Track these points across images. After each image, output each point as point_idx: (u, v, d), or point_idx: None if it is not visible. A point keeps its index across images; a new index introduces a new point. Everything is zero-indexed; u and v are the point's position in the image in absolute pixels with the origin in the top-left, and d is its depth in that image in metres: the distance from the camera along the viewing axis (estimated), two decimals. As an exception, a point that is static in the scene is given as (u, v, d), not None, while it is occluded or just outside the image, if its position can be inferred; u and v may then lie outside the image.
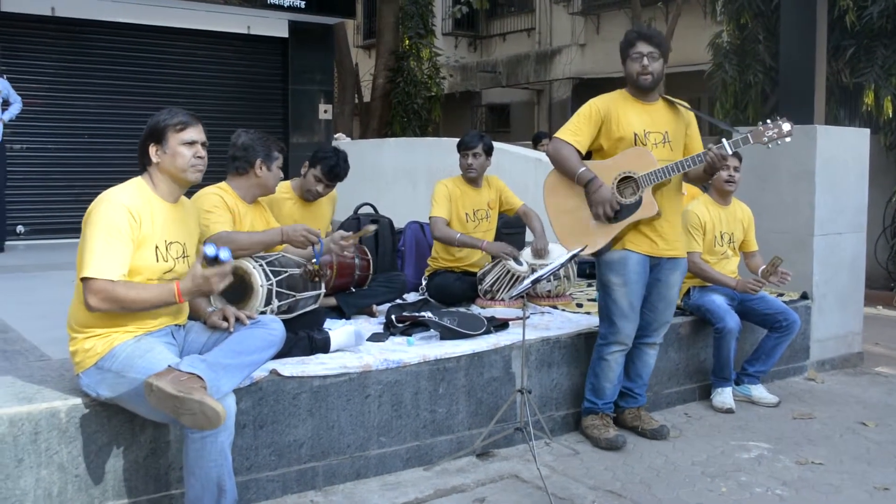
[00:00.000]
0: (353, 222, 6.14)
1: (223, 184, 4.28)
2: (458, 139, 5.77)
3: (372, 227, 4.96)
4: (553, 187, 4.59)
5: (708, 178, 4.49)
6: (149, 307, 3.24)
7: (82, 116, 10.94)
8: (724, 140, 4.20)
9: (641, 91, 4.43)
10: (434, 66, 17.26)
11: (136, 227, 3.21)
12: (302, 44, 12.50)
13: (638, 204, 4.31)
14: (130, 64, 11.24)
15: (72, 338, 3.31)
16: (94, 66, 11.03)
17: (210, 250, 3.14)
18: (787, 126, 4.15)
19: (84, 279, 3.10)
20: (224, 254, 3.15)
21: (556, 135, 4.51)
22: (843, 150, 6.28)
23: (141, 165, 3.43)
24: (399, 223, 6.50)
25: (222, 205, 4.12)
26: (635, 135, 4.37)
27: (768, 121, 4.20)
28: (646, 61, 4.33)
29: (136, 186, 3.36)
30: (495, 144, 5.91)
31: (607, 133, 4.42)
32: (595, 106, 4.45)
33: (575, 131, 4.43)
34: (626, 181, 4.34)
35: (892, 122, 10.06)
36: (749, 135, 4.19)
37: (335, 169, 4.95)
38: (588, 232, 4.46)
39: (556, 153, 4.46)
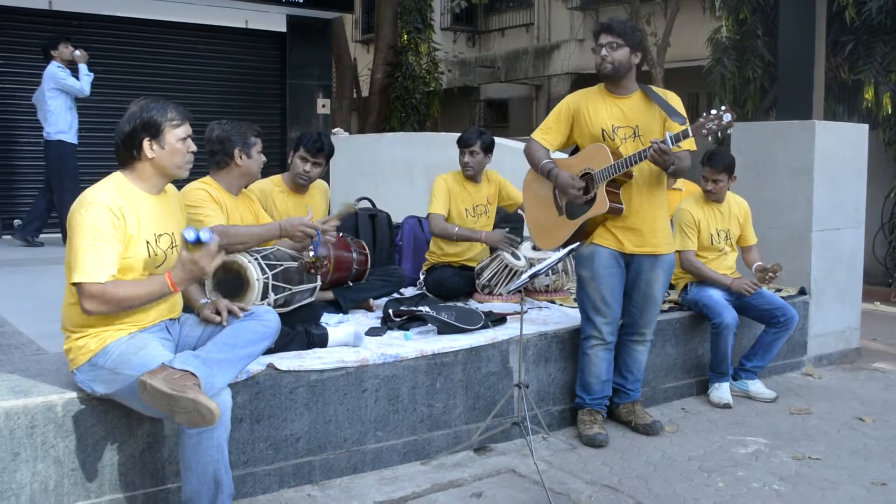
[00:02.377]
0: (351, 217, 6.13)
1: (207, 178, 4.25)
2: (456, 134, 5.76)
3: (354, 204, 4.76)
4: (528, 184, 4.78)
5: (680, 173, 4.43)
6: (144, 302, 3.22)
7: (80, 111, 10.90)
8: (668, 133, 4.16)
9: (612, 84, 4.43)
10: (432, 61, 17.24)
11: (122, 226, 3.15)
12: (300, 38, 12.50)
13: (593, 200, 4.34)
14: (128, 58, 11.23)
15: (66, 337, 3.31)
16: (91, 61, 10.99)
17: (189, 234, 3.12)
18: (727, 117, 4.07)
19: (76, 285, 3.08)
20: (204, 234, 3.13)
21: (532, 134, 4.64)
22: (842, 146, 6.28)
23: (125, 159, 3.31)
24: (397, 218, 6.48)
25: (209, 199, 4.10)
26: (602, 130, 4.40)
27: (712, 111, 4.13)
28: (604, 52, 4.34)
29: (115, 183, 3.27)
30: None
31: (579, 129, 4.49)
32: (566, 103, 4.55)
33: (545, 130, 4.58)
34: (586, 177, 4.38)
35: (891, 118, 10.04)
36: (689, 128, 4.14)
37: (317, 142, 4.93)
38: (551, 228, 4.59)
39: (527, 150, 4.62)
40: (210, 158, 4.23)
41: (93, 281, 3.06)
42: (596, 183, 4.33)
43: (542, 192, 4.65)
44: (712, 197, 5.38)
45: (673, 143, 4.12)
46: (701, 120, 4.15)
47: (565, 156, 4.71)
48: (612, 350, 4.56)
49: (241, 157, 4.22)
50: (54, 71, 8.67)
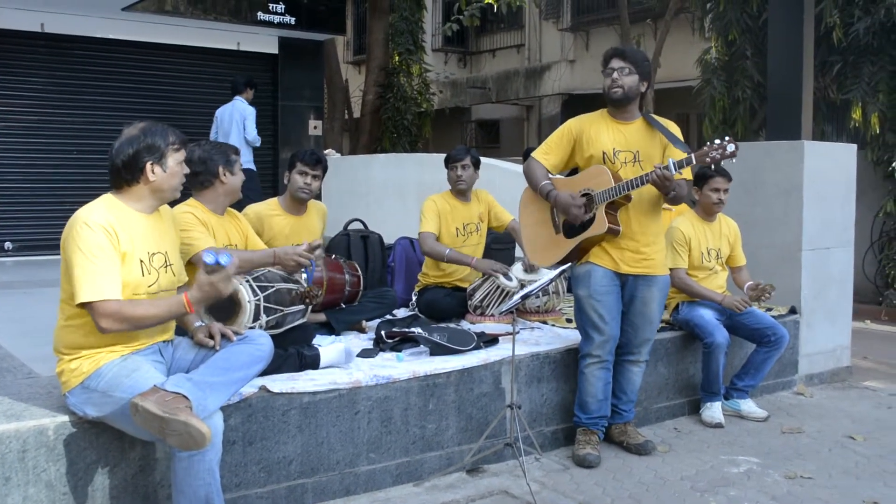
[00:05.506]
0: (343, 238, 6.14)
1: (191, 200, 4.27)
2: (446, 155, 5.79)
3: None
4: (525, 202, 4.80)
5: (678, 200, 4.47)
6: (160, 321, 3.26)
7: (71, 132, 10.95)
8: (670, 159, 4.22)
9: (617, 109, 4.48)
10: (424, 82, 17.30)
11: (116, 243, 3.16)
12: (292, 60, 12.55)
13: (592, 221, 4.37)
14: (120, 80, 11.28)
15: (59, 359, 3.30)
16: (83, 83, 11.06)
17: (209, 258, 3.15)
18: (731, 147, 4.14)
19: (88, 304, 3.07)
20: (224, 258, 3.16)
21: (532, 153, 4.67)
22: (831, 166, 6.32)
23: (122, 182, 3.31)
24: (389, 239, 6.50)
25: (196, 221, 4.11)
26: (604, 153, 4.44)
27: (716, 140, 4.20)
28: (615, 75, 4.40)
29: (107, 203, 3.28)
30: (485, 160, 5.93)
31: (580, 151, 4.53)
32: (568, 126, 4.60)
33: (546, 150, 4.61)
34: (585, 198, 4.41)
35: (879, 137, 10.12)
36: (692, 155, 4.20)
37: (313, 155, 5.02)
38: (547, 246, 4.62)
39: (526, 170, 4.66)
40: (193, 179, 4.22)
41: (105, 298, 3.06)
42: (595, 204, 4.36)
43: (539, 210, 4.67)
44: (719, 208, 5.42)
45: (675, 170, 4.18)
46: (705, 148, 4.21)
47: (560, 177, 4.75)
48: (609, 370, 4.56)
49: (225, 175, 4.24)
50: (251, 109, 9.90)
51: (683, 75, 14.15)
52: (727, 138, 4.19)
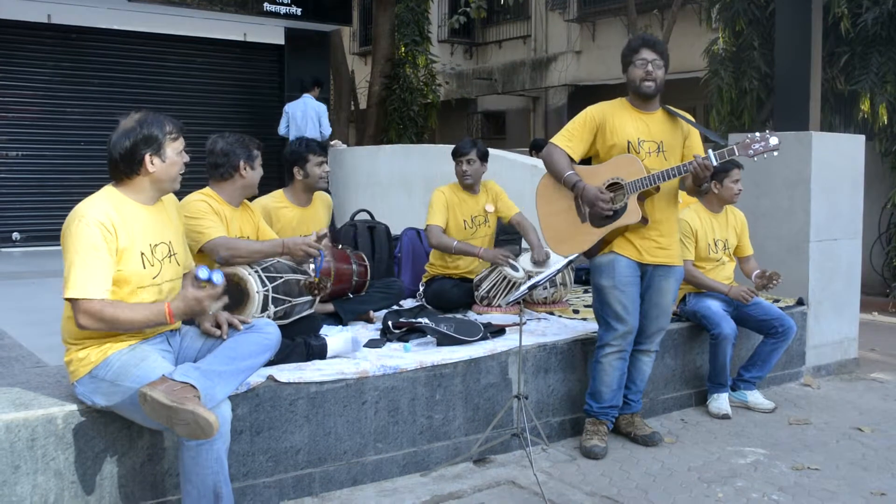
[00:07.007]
0: (350, 229, 6.14)
1: (207, 189, 4.28)
2: (453, 146, 5.78)
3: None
4: (544, 190, 4.68)
5: (703, 192, 4.46)
6: (138, 328, 3.23)
7: (78, 123, 10.96)
8: (710, 151, 4.20)
9: (641, 99, 4.44)
10: (430, 73, 17.26)
11: (113, 240, 3.15)
12: (298, 51, 12.55)
13: (623, 210, 4.35)
14: (126, 71, 11.29)
15: (67, 349, 3.31)
16: (90, 73, 11.07)
17: (203, 273, 3.15)
18: (774, 140, 4.13)
19: (71, 300, 3.08)
20: (217, 277, 3.16)
21: (551, 140, 4.59)
22: (839, 157, 6.30)
23: (122, 175, 3.29)
24: (395, 230, 6.50)
25: (210, 210, 4.13)
26: (629, 143, 4.40)
27: (756, 133, 4.19)
28: (650, 67, 4.34)
29: (107, 196, 3.26)
30: (491, 151, 5.90)
31: (602, 140, 4.46)
32: (590, 113, 4.51)
33: (568, 137, 4.51)
34: (614, 187, 4.37)
35: (887, 128, 10.08)
36: (735, 147, 4.18)
37: (320, 142, 5.19)
38: (573, 235, 4.54)
39: (548, 157, 4.55)
40: (212, 170, 4.25)
41: (87, 297, 3.06)
42: (626, 193, 4.32)
43: (561, 199, 4.57)
44: (737, 199, 5.43)
45: (716, 161, 4.18)
46: (747, 140, 4.20)
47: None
48: (626, 360, 4.55)
49: (245, 169, 4.26)
50: (323, 106, 11.09)
51: (690, 66, 14.10)
52: (768, 131, 4.18)
